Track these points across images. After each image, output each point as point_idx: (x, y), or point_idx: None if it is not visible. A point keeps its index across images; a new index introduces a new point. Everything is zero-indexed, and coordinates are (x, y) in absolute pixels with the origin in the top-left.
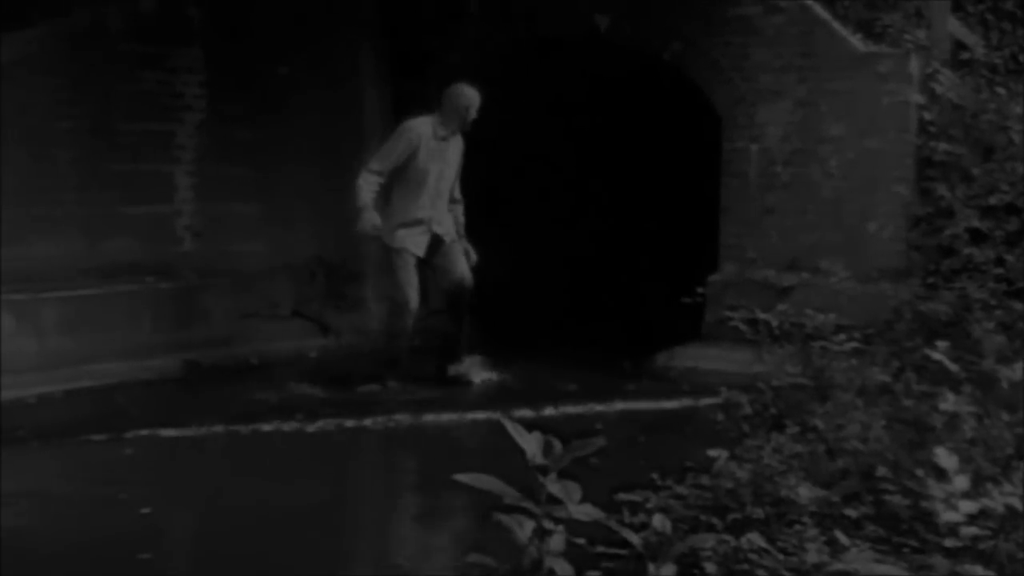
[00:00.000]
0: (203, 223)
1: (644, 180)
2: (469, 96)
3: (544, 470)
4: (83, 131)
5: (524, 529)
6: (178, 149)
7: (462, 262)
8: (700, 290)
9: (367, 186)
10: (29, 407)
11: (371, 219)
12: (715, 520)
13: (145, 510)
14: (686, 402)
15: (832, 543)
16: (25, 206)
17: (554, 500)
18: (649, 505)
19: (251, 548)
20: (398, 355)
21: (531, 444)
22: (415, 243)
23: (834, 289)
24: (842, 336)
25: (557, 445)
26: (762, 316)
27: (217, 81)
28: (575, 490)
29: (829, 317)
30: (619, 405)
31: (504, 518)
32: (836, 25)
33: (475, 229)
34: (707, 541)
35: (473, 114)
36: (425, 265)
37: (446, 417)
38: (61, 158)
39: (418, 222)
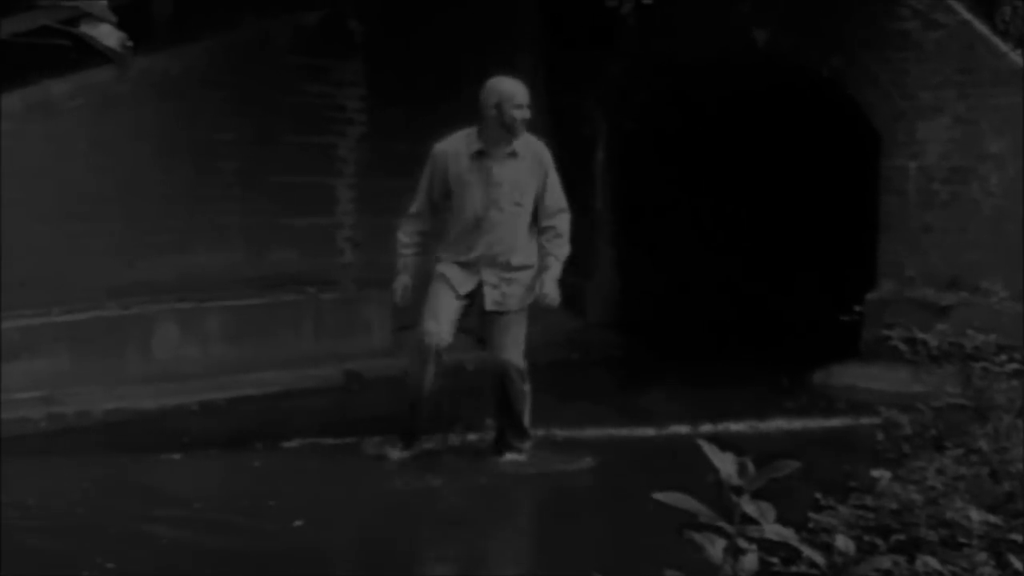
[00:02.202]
0: (363, 235)
1: (799, 196)
2: (494, 89)
3: (738, 490)
4: (247, 143)
5: (716, 547)
6: (340, 162)
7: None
8: (858, 308)
9: (405, 237)
10: (193, 414)
11: (400, 288)
12: (879, 541)
13: (297, 522)
14: (844, 421)
15: (1005, 567)
16: (190, 216)
17: (747, 519)
18: (811, 525)
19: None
20: (415, 419)
21: (726, 464)
22: (457, 278)
23: (994, 309)
24: (1003, 357)
25: (751, 466)
26: (921, 336)
27: (378, 94)
28: (769, 510)
29: (990, 337)
30: (778, 423)
31: (697, 536)
32: (996, 40)
33: (627, 246)
34: (885, 563)
35: (512, 110)
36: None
37: (613, 432)
38: (226, 169)
39: (465, 264)
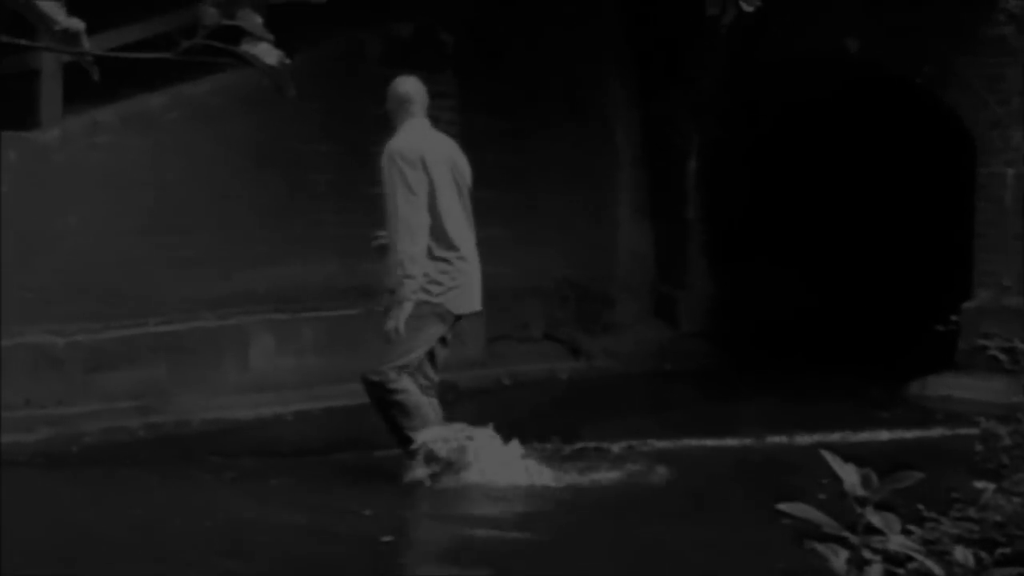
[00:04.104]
0: None
1: (893, 203)
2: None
3: (862, 501)
4: (340, 154)
5: (840, 558)
6: None
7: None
8: (953, 318)
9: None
10: (288, 424)
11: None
12: (983, 554)
13: (386, 538)
14: (941, 432)
15: None
16: (285, 228)
17: (871, 530)
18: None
19: None
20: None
21: (850, 475)
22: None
23: None
24: None
25: (874, 477)
26: (1020, 345)
27: (469, 106)
28: (894, 522)
29: None
30: (873, 434)
31: (819, 547)
32: None
33: (720, 256)
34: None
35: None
36: None
37: (708, 443)
38: (319, 181)
39: None
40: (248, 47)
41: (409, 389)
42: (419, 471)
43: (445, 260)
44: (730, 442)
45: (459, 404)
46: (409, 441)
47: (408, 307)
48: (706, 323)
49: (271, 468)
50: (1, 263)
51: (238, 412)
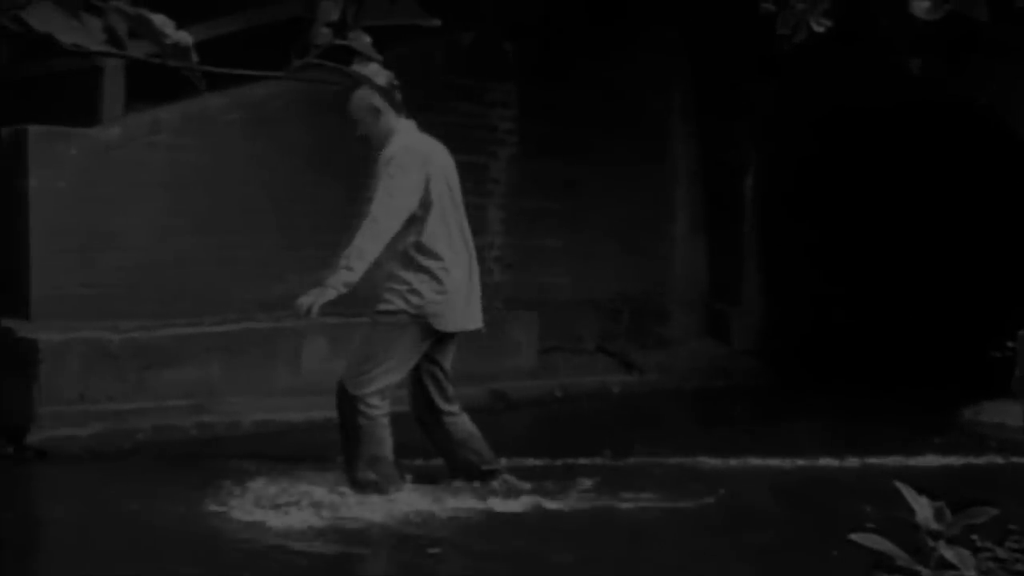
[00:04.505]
0: (512, 256)
1: (951, 224)
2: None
3: (935, 535)
4: None
5: None
6: (491, 182)
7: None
8: (1009, 344)
9: None
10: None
11: None
12: None
13: (433, 550)
14: (994, 459)
15: None
16: (340, 232)
17: (944, 564)
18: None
19: None
20: None
21: (924, 508)
22: None
23: None
24: None
25: (948, 511)
26: None
27: (529, 115)
28: (968, 557)
29: None
30: (926, 459)
31: None
32: None
33: (774, 273)
34: None
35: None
36: None
37: (759, 462)
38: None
39: None
40: (359, 67)
41: (377, 420)
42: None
43: (427, 271)
44: (781, 462)
45: (509, 415)
46: (352, 469)
47: (331, 295)
48: (758, 341)
49: (316, 472)
50: (59, 258)
51: (289, 415)
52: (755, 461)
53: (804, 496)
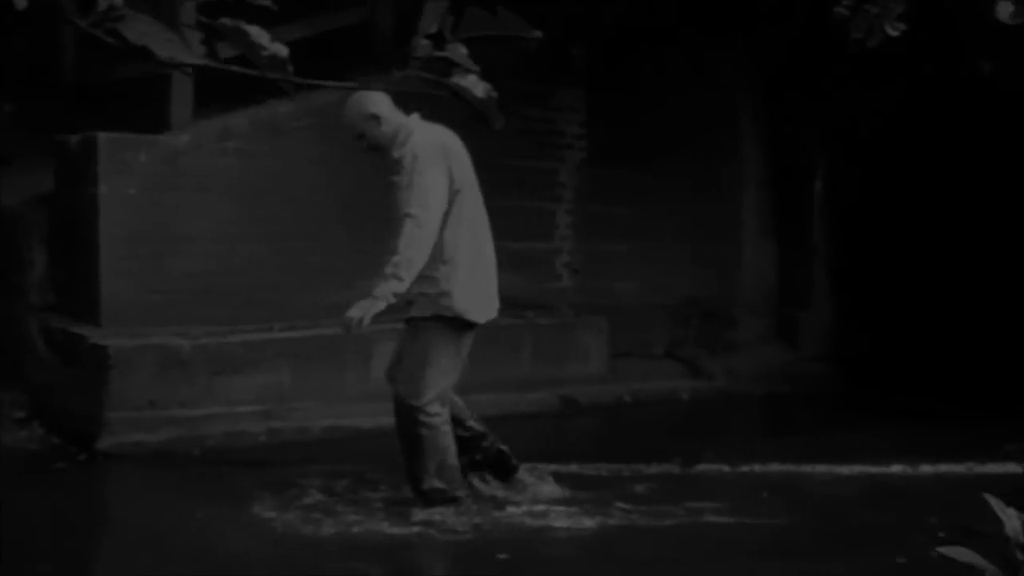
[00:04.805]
0: (581, 261)
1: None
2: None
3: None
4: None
5: None
6: (559, 187)
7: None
8: None
9: None
10: None
11: None
12: None
13: (502, 555)
14: None
15: None
16: None
17: None
18: None
19: None
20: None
21: (1012, 520)
22: None
23: None
24: None
25: None
26: None
27: (597, 120)
28: None
29: None
30: (998, 466)
31: None
32: None
33: (844, 278)
34: None
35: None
36: None
37: (829, 469)
38: None
39: None
40: (458, 79)
41: (439, 429)
42: (419, 515)
43: (454, 265)
44: (852, 469)
45: (579, 420)
46: (418, 481)
47: (380, 306)
48: (827, 346)
49: (385, 478)
50: (129, 265)
51: (359, 420)
52: (826, 468)
53: (878, 503)
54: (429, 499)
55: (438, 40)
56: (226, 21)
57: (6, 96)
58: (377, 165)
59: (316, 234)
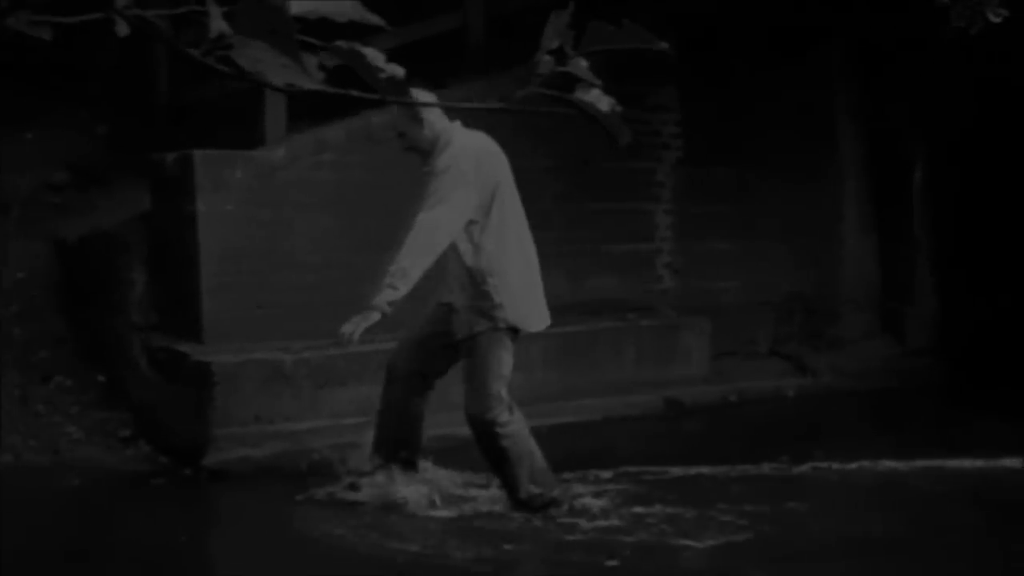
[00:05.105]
0: (682, 261)
1: None
2: None
3: None
4: (564, 169)
5: None
6: (657, 187)
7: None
8: None
9: None
10: None
11: None
12: None
13: (611, 562)
14: None
15: None
16: None
17: None
18: None
19: None
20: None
21: None
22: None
23: None
24: None
25: None
26: None
27: (692, 119)
28: None
29: None
30: None
31: None
32: None
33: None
34: None
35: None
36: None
37: (941, 464)
38: (544, 196)
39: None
40: (581, 94)
41: (517, 435)
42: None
43: (504, 276)
44: (963, 463)
45: (684, 422)
46: (515, 492)
47: (374, 318)
48: (933, 339)
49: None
50: (230, 281)
51: (466, 429)
52: (937, 463)
53: (994, 500)
54: (529, 506)
55: (559, 55)
56: (341, 43)
57: (100, 117)
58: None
59: None
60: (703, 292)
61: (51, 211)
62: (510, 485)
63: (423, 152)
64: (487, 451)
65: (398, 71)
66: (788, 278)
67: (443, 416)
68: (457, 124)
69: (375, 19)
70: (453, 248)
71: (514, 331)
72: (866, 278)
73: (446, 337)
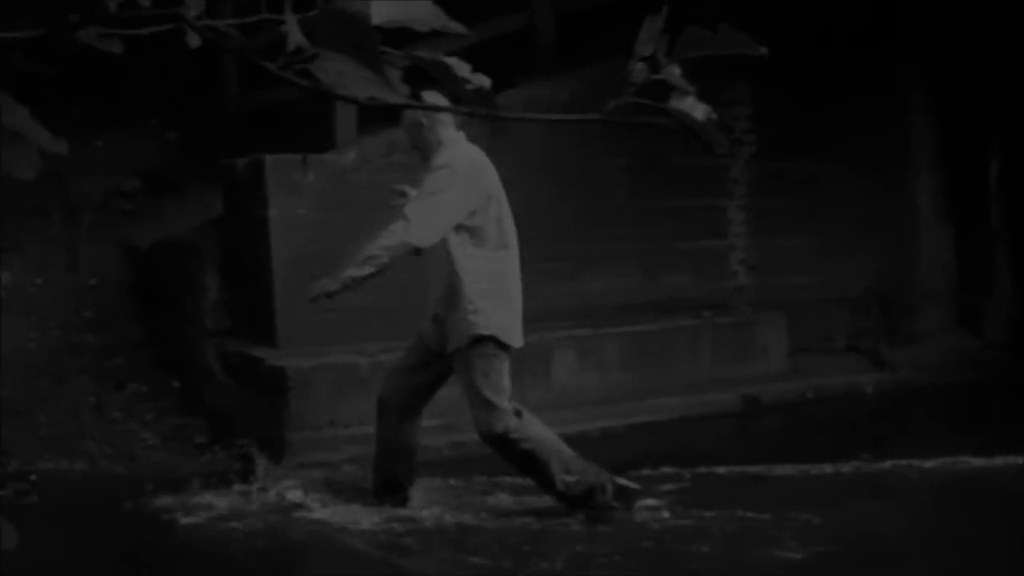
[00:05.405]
0: (756, 257)
1: None
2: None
3: None
4: (638, 167)
5: None
6: (730, 183)
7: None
8: None
9: None
10: (593, 441)
11: None
12: None
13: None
14: None
15: None
16: (586, 243)
17: None
18: None
19: None
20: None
21: None
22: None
23: None
24: None
25: None
26: None
27: (764, 115)
28: None
29: None
30: None
31: None
32: None
33: None
34: None
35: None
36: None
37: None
38: (618, 194)
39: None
40: (676, 102)
41: (533, 435)
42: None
43: (495, 290)
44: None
45: (762, 420)
46: (555, 489)
47: (336, 288)
48: (1012, 332)
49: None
50: (303, 285)
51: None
52: (1018, 460)
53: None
54: (572, 498)
55: (652, 62)
56: (423, 53)
57: (170, 123)
58: (547, 174)
59: None
60: (778, 288)
61: (123, 218)
62: (546, 484)
63: (424, 156)
64: (512, 460)
65: (484, 81)
66: (864, 272)
67: None
68: (461, 134)
69: (457, 27)
70: (446, 258)
71: (502, 344)
72: (943, 271)
73: (436, 362)
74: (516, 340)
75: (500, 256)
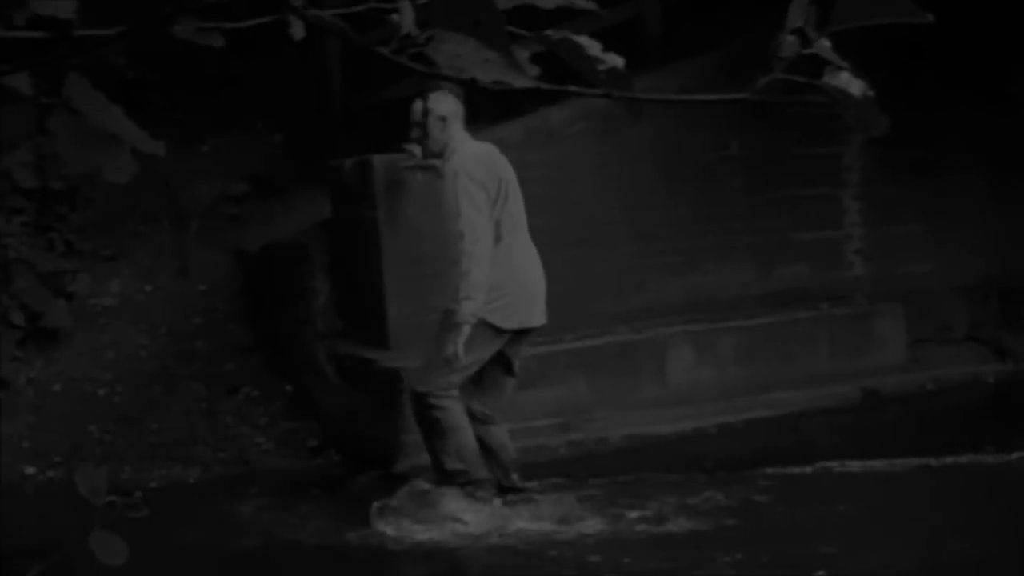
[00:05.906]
0: (872, 246)
1: None
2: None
3: None
4: (751, 158)
5: None
6: (845, 171)
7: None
8: None
9: None
10: (710, 437)
11: None
12: None
13: (820, 574)
14: None
15: None
16: (699, 236)
17: None
18: None
19: None
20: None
21: None
22: None
23: None
24: None
25: None
26: None
27: (878, 98)
28: None
29: None
30: None
31: None
32: None
33: None
34: None
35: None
36: None
37: None
38: (731, 186)
39: None
40: (829, 79)
41: (451, 408)
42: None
43: (498, 274)
44: None
45: (882, 412)
46: (440, 464)
47: (466, 332)
48: None
49: (700, 484)
50: (414, 286)
51: (658, 427)
52: None
53: None
54: (453, 480)
55: (802, 35)
56: (550, 33)
57: (275, 126)
58: (657, 166)
59: (600, 239)
60: (895, 277)
61: (231, 222)
62: (436, 456)
63: (432, 152)
64: (419, 421)
65: (618, 61)
66: (983, 259)
67: (635, 416)
68: (466, 135)
69: (583, 2)
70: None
71: (493, 327)
72: None
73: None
74: (501, 321)
75: (503, 242)
